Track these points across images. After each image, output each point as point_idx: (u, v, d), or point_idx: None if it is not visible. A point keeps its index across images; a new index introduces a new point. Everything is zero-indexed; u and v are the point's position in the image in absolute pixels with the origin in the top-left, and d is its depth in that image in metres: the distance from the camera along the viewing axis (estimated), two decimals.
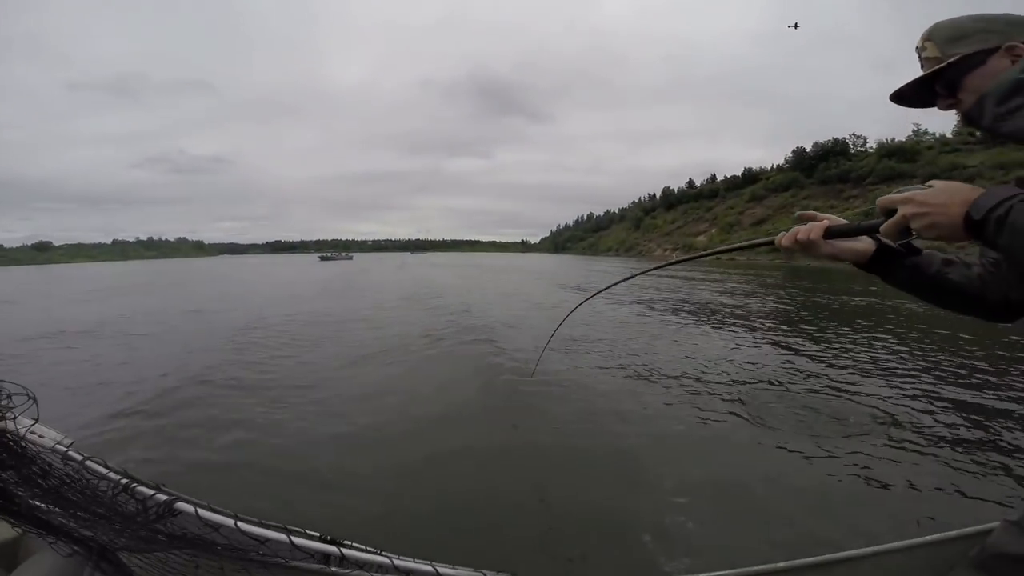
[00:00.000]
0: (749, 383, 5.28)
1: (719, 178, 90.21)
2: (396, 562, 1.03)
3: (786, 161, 69.91)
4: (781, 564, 1.17)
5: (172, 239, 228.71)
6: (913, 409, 4.36)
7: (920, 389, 4.94)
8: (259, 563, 1.00)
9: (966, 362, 6.02)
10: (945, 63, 0.82)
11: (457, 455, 3.48)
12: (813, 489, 2.99)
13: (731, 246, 1.20)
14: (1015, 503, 2.68)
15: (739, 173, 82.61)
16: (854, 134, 62.09)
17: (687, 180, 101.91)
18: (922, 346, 6.98)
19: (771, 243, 1.01)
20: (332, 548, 1.04)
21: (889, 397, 4.70)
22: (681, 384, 5.24)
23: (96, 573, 1.03)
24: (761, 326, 9.17)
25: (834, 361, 6.22)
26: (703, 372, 5.73)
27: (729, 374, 5.64)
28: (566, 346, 6.84)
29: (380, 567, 1.05)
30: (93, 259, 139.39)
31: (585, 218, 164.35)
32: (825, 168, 58.83)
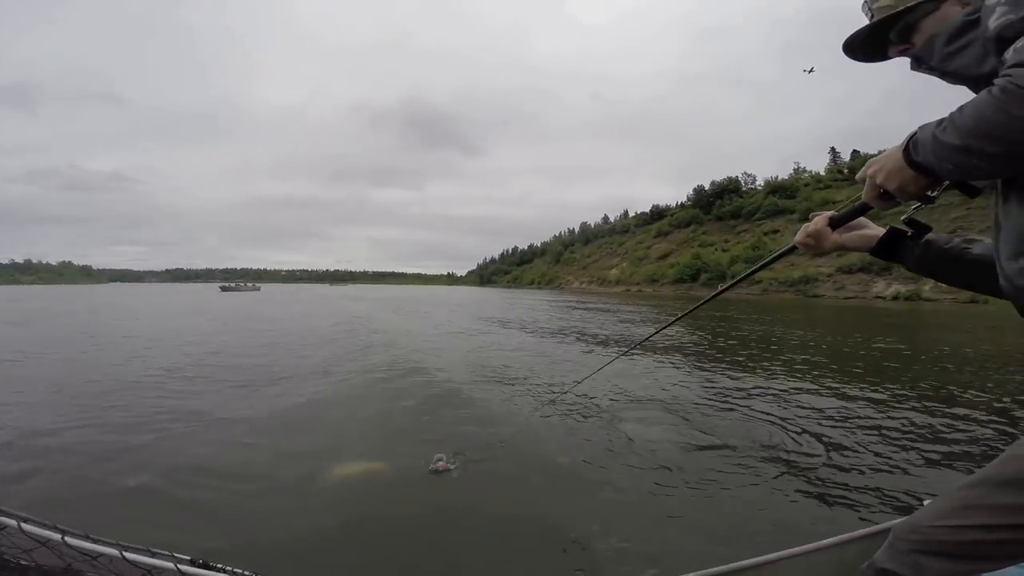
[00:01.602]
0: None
1: (631, 213, 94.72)
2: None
3: (688, 198, 74.42)
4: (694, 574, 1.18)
5: (55, 262, 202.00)
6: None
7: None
8: None
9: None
10: (903, 7, 0.87)
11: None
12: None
13: (759, 265, 1.22)
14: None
15: (648, 210, 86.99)
16: (745, 172, 67.57)
17: (603, 215, 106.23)
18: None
19: (793, 249, 1.08)
20: (166, 563, 0.99)
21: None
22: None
23: None
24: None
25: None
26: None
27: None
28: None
29: None
30: None
31: (511, 251, 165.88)
32: (720, 205, 62.92)
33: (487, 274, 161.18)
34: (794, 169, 62.88)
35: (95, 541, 0.95)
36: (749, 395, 4.94)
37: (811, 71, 60.80)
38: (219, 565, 1.05)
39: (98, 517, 2.42)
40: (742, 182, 66.33)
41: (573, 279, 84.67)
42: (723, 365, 6.79)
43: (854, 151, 58.88)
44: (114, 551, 0.94)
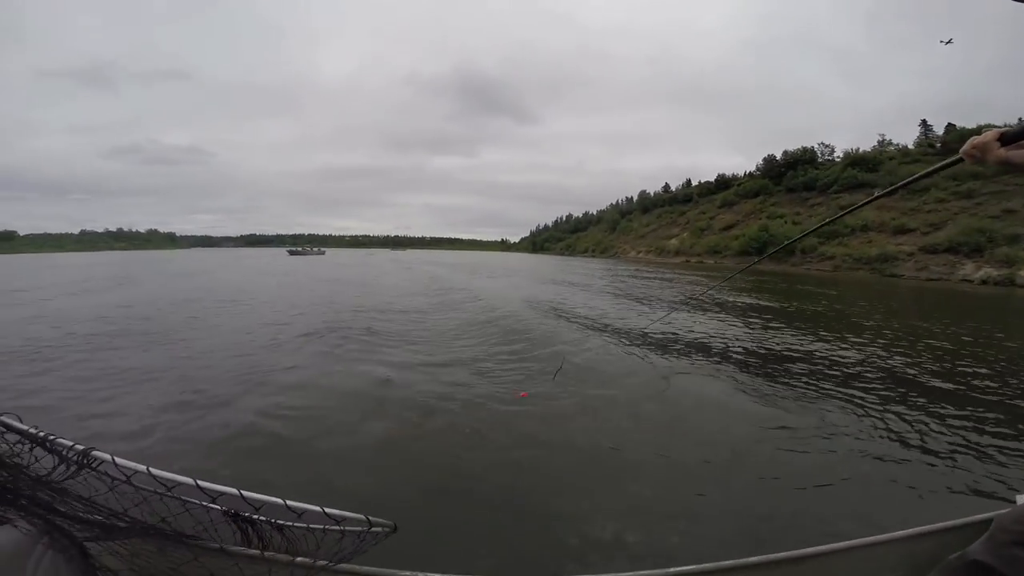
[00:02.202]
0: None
1: (694, 183, 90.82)
2: (288, 503, 1.14)
3: (757, 168, 70.58)
4: (753, 559, 1.18)
5: (143, 230, 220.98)
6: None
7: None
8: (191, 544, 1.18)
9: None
10: None
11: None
12: None
13: (918, 175, 1.21)
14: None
15: (713, 179, 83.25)
16: (822, 143, 62.94)
17: (663, 184, 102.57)
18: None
19: (959, 160, 1.02)
20: (231, 489, 1.11)
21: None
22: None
23: (48, 550, 1.11)
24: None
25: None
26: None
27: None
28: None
29: (276, 510, 1.16)
30: (60, 249, 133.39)
31: (564, 219, 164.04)
32: (793, 176, 59.42)
33: (540, 241, 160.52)
34: (878, 141, 57.38)
35: (175, 475, 1.07)
36: (822, 373, 5.71)
37: (949, 42, 53.04)
38: (287, 501, 1.14)
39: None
40: (818, 153, 61.98)
41: (630, 248, 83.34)
42: (797, 340, 7.64)
43: (949, 124, 53.00)
44: (189, 480, 1.06)
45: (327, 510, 1.17)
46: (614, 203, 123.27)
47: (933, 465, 3.39)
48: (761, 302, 13.40)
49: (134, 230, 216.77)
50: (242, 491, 1.11)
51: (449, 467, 3.37)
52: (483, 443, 3.77)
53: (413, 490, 3.05)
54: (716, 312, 11.05)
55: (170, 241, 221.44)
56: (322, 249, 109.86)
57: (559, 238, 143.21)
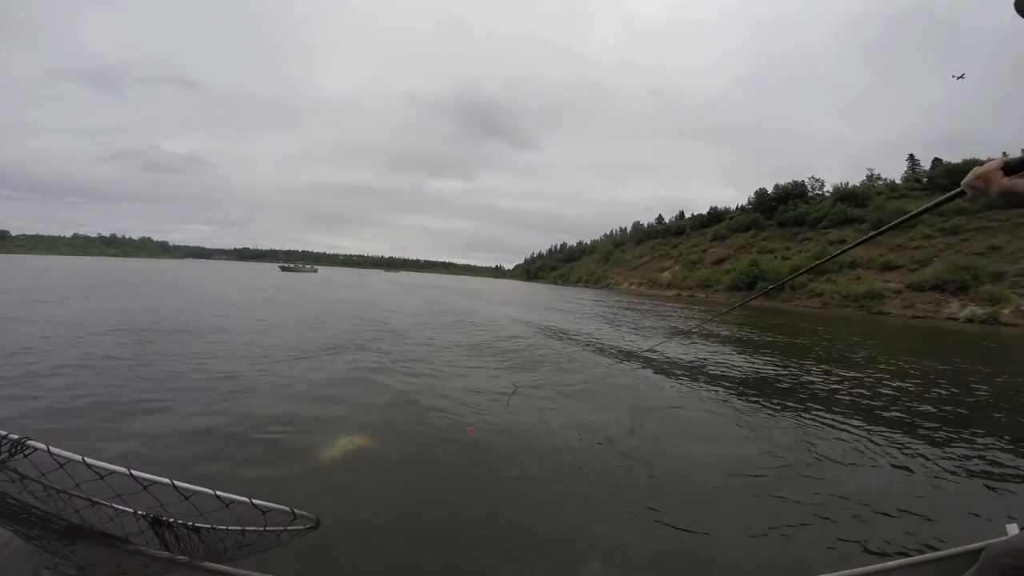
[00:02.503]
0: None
1: (687, 215, 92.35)
2: (218, 493, 1.19)
3: (749, 201, 71.93)
4: None
5: (136, 237, 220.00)
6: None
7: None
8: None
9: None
10: None
11: None
12: None
13: (915, 212, 1.18)
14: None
15: (705, 212, 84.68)
16: (813, 177, 64.50)
17: (657, 216, 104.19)
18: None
19: (961, 193, 1.01)
20: (163, 479, 1.15)
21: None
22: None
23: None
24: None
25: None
26: None
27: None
28: None
29: (206, 500, 1.20)
30: (51, 252, 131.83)
31: (559, 247, 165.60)
32: (784, 210, 60.48)
33: (534, 269, 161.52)
34: (867, 176, 58.77)
35: (108, 464, 1.11)
36: (810, 407, 5.61)
37: (961, 77, 53.67)
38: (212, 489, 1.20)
39: None
40: (809, 187, 63.41)
41: (622, 279, 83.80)
42: (784, 372, 7.56)
43: (935, 159, 54.72)
44: (122, 468, 1.11)
45: (255, 501, 1.22)
46: (608, 233, 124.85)
47: (921, 496, 3.30)
48: (753, 336, 13.33)
49: (127, 237, 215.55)
50: (174, 481, 1.14)
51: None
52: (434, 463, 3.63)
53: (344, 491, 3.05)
54: (707, 344, 10.94)
55: (163, 250, 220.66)
56: (315, 267, 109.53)
57: (553, 267, 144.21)
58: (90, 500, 1.19)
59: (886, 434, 4.59)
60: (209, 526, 1.28)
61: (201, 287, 24.66)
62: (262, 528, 1.31)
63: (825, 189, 62.15)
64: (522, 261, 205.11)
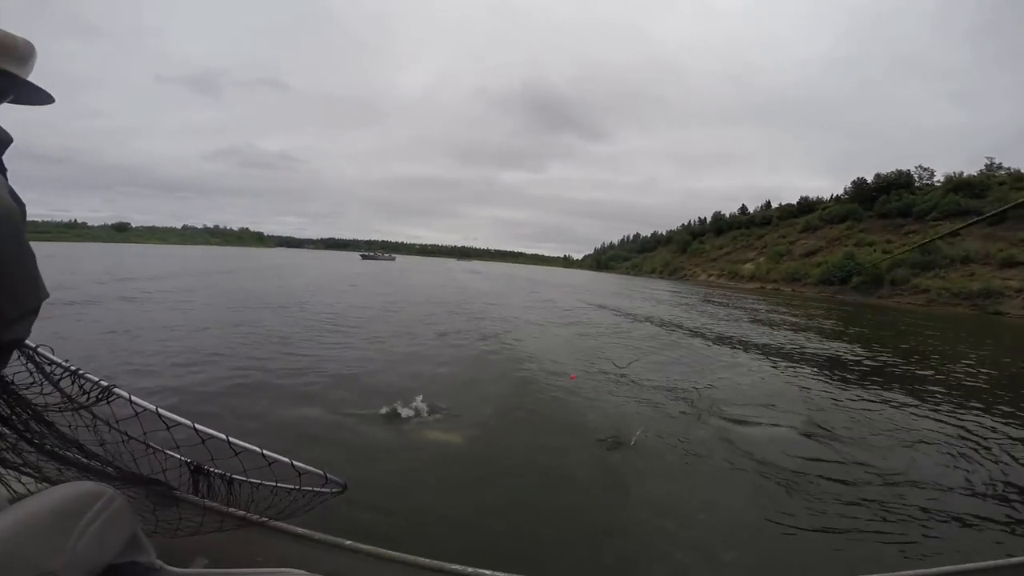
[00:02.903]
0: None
1: (774, 205, 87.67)
2: (264, 452, 1.31)
3: (845, 192, 67.35)
4: None
5: (235, 228, 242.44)
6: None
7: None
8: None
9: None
10: None
11: None
12: None
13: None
14: None
15: (795, 201, 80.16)
16: (920, 166, 59.16)
17: (740, 206, 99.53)
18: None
19: None
20: (219, 434, 1.27)
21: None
22: None
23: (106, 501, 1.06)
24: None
25: None
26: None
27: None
28: None
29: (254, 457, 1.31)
30: (164, 241, 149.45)
31: (631, 238, 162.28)
32: (886, 201, 56.34)
33: (604, 259, 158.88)
34: (986, 165, 52.42)
35: (175, 416, 1.20)
36: (907, 420, 5.62)
37: None
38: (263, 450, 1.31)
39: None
40: (915, 176, 58.33)
41: (700, 271, 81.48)
42: (881, 380, 7.77)
43: None
44: (187, 421, 1.21)
45: (294, 463, 1.33)
46: (685, 224, 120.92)
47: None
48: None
49: (228, 227, 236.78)
50: (229, 438, 1.25)
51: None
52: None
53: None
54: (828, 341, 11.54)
55: (259, 240, 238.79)
56: (392, 255, 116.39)
57: (625, 257, 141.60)
58: (151, 447, 1.28)
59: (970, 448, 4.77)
60: (244, 479, 1.40)
61: (303, 275, 27.74)
62: (293, 487, 1.43)
63: (935, 179, 56.89)
64: (590, 251, 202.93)
